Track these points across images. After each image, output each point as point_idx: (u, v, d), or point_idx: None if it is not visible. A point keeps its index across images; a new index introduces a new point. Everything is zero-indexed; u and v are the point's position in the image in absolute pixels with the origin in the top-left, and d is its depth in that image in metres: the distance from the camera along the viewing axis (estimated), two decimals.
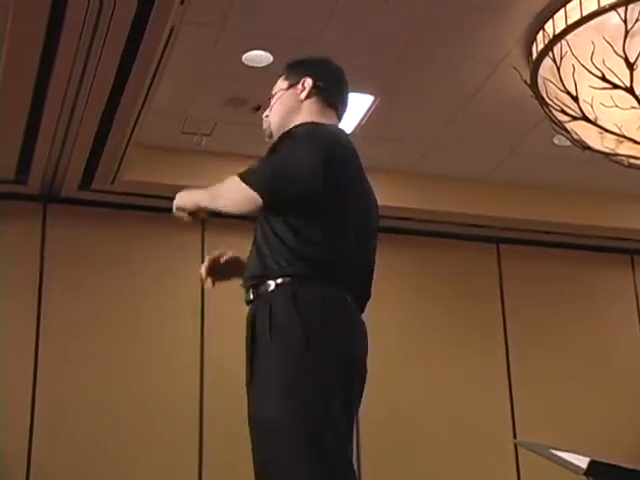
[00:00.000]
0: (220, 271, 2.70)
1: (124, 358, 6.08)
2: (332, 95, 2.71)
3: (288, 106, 2.68)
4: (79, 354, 5.99)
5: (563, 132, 5.25)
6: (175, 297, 6.32)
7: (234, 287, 5.92)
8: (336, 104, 2.72)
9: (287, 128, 2.60)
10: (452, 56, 5.17)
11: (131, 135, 5.39)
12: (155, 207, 6.30)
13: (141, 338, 6.17)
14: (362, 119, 5.79)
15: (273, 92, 2.75)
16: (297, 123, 2.60)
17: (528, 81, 5.10)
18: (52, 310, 6.02)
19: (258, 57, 5.16)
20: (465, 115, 5.81)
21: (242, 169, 2.47)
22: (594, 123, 4.87)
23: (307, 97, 2.67)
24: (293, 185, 2.39)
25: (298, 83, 2.68)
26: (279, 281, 2.38)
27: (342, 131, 2.65)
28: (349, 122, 5.83)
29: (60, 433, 5.80)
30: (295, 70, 2.73)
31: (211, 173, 6.15)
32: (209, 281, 2.67)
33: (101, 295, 6.17)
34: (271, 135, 2.71)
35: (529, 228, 6.91)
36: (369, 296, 2.55)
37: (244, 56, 5.14)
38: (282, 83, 2.73)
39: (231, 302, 6.13)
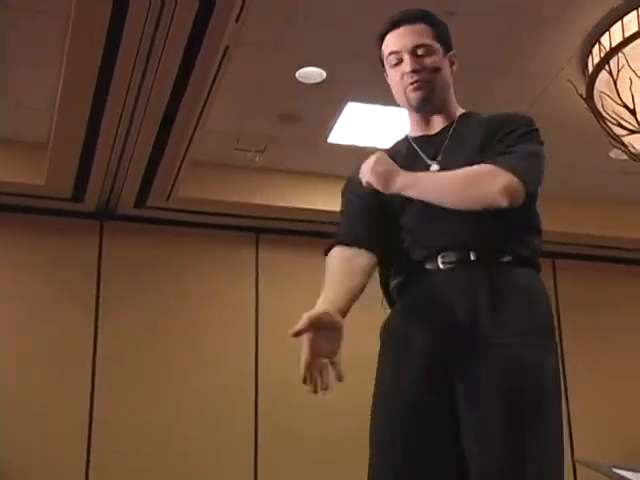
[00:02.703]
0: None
1: (176, 376, 6.12)
2: None
3: (448, 79, 2.50)
4: (134, 370, 6.04)
5: (620, 146, 5.18)
6: (229, 313, 6.34)
7: (288, 304, 5.90)
8: None
9: (443, 103, 2.49)
10: (507, 70, 5.14)
11: (186, 152, 5.44)
12: (209, 224, 6.37)
13: (194, 355, 6.20)
14: None
15: (421, 45, 2.46)
16: (453, 100, 2.52)
17: (584, 95, 5.05)
18: (109, 325, 6.09)
19: (311, 74, 5.18)
20: None
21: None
22: None
23: None
24: (540, 181, 2.36)
25: (449, 55, 2.50)
26: (525, 255, 2.30)
27: None
28: (399, 137, 5.81)
29: (112, 445, 5.86)
30: (447, 37, 2.53)
31: (265, 189, 6.22)
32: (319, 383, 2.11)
33: (156, 311, 6.22)
34: (425, 102, 2.46)
35: (585, 242, 6.83)
36: None
37: (297, 73, 5.17)
38: (436, 44, 2.47)
39: (286, 318, 6.20)
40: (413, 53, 2.45)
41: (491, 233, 2.29)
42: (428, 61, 2.45)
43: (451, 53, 2.51)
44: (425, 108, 2.48)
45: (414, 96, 2.45)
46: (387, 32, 2.52)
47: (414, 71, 2.43)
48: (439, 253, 2.29)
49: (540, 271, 2.35)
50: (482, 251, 2.28)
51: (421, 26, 2.48)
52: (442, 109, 2.50)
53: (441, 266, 2.29)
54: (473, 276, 2.26)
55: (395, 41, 2.49)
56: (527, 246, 2.33)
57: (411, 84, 2.44)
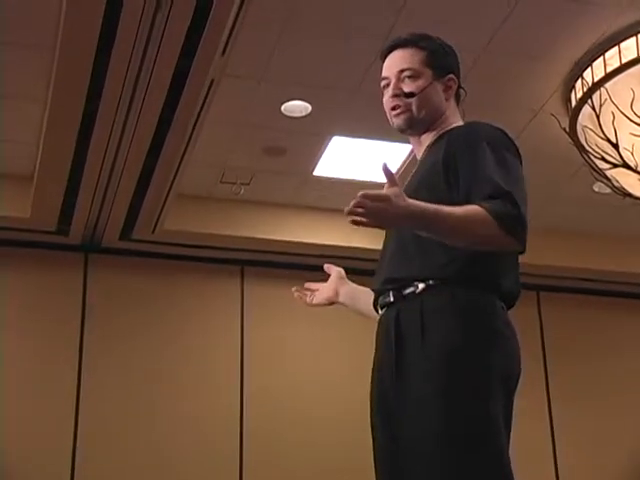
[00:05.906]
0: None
1: (162, 406, 6.07)
2: (459, 95, 2.62)
3: (435, 102, 2.51)
4: (119, 405, 6.00)
5: (603, 179, 5.21)
6: (214, 345, 6.32)
7: (274, 336, 5.87)
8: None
9: (430, 126, 2.50)
10: (490, 104, 5.17)
11: (171, 185, 5.45)
12: (195, 256, 6.36)
13: (178, 385, 6.16)
14: (400, 168, 5.80)
15: (406, 69, 2.50)
16: (445, 122, 2.51)
17: (567, 129, 5.09)
18: (93, 359, 6.05)
19: (297, 107, 5.20)
20: None
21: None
22: (635, 170, 4.83)
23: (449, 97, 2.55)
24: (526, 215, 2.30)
25: (444, 79, 2.53)
26: (431, 282, 2.27)
27: None
28: None
29: None
30: (441, 60, 2.53)
31: (250, 221, 6.22)
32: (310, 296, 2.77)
33: (141, 344, 6.19)
34: (407, 126, 2.51)
35: (569, 275, 6.85)
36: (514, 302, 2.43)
37: (283, 106, 5.19)
38: (423, 68, 2.50)
39: (271, 351, 6.19)
40: (398, 77, 2.50)
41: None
42: (411, 86, 2.48)
43: (447, 77, 2.53)
44: (407, 131, 2.54)
45: (395, 121, 2.51)
46: (384, 57, 2.57)
47: (394, 95, 2.49)
48: None
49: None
50: None
51: (411, 50, 2.52)
52: (431, 130, 2.52)
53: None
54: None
55: (385, 66, 2.55)
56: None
57: (392, 109, 2.50)
